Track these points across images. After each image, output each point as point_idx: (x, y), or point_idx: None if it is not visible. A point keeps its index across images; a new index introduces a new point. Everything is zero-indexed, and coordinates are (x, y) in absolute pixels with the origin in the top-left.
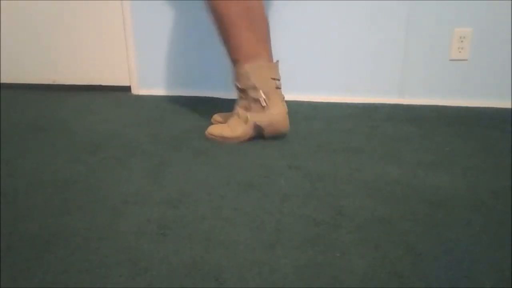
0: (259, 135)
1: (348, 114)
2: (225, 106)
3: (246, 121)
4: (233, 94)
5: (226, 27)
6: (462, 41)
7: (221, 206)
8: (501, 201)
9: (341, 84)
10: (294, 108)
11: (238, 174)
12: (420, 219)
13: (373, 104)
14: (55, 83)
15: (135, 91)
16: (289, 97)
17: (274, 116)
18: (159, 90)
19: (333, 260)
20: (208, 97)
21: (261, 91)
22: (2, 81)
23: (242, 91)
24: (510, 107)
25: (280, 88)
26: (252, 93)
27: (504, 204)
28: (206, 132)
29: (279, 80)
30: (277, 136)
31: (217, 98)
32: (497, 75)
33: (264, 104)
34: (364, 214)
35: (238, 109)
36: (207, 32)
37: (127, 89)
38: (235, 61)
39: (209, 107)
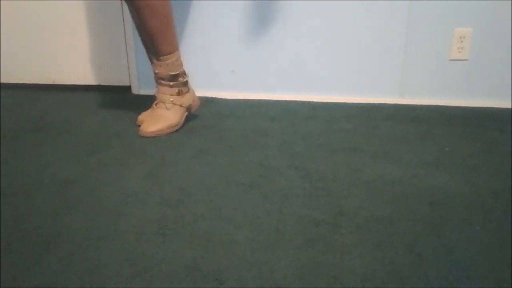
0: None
1: (348, 114)
2: (225, 106)
3: (181, 105)
4: (233, 94)
5: (165, 24)
6: (462, 41)
7: (221, 206)
8: (501, 201)
9: (341, 84)
10: (294, 108)
11: (238, 174)
12: (420, 219)
13: (373, 104)
14: (55, 83)
15: (135, 91)
16: (289, 97)
17: (193, 94)
18: None
19: (333, 260)
20: (209, 97)
21: (186, 76)
22: (2, 81)
23: (174, 77)
24: (510, 107)
25: None
26: (182, 78)
27: (504, 204)
28: (143, 132)
29: None
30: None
31: (218, 98)
32: (497, 75)
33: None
34: (364, 214)
35: (169, 97)
36: (207, 32)
37: (127, 89)
38: (168, 52)
39: (209, 107)
